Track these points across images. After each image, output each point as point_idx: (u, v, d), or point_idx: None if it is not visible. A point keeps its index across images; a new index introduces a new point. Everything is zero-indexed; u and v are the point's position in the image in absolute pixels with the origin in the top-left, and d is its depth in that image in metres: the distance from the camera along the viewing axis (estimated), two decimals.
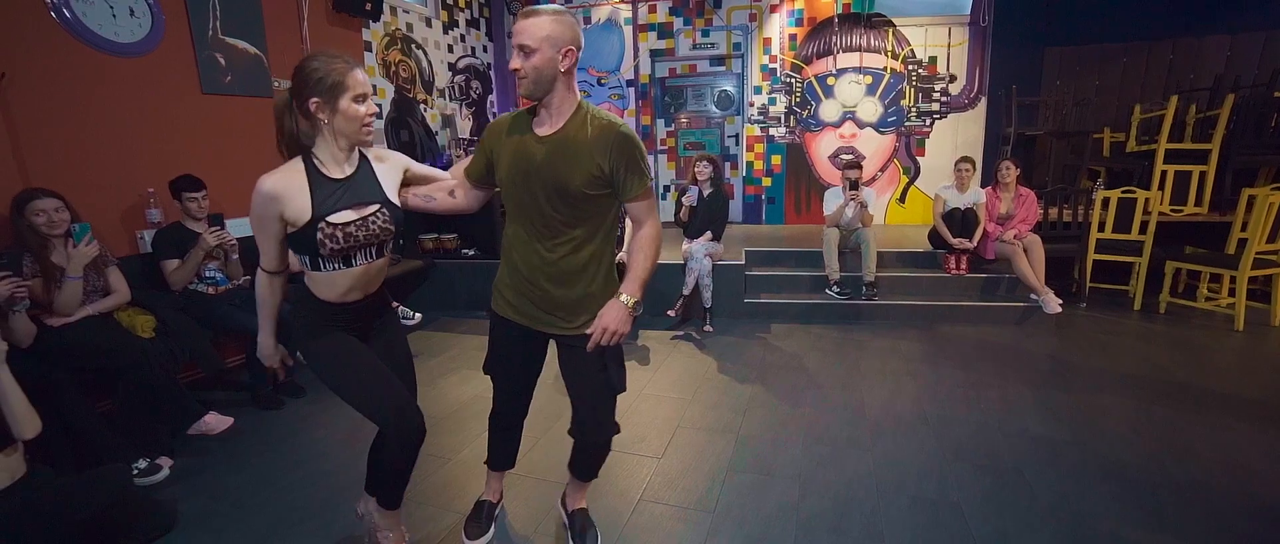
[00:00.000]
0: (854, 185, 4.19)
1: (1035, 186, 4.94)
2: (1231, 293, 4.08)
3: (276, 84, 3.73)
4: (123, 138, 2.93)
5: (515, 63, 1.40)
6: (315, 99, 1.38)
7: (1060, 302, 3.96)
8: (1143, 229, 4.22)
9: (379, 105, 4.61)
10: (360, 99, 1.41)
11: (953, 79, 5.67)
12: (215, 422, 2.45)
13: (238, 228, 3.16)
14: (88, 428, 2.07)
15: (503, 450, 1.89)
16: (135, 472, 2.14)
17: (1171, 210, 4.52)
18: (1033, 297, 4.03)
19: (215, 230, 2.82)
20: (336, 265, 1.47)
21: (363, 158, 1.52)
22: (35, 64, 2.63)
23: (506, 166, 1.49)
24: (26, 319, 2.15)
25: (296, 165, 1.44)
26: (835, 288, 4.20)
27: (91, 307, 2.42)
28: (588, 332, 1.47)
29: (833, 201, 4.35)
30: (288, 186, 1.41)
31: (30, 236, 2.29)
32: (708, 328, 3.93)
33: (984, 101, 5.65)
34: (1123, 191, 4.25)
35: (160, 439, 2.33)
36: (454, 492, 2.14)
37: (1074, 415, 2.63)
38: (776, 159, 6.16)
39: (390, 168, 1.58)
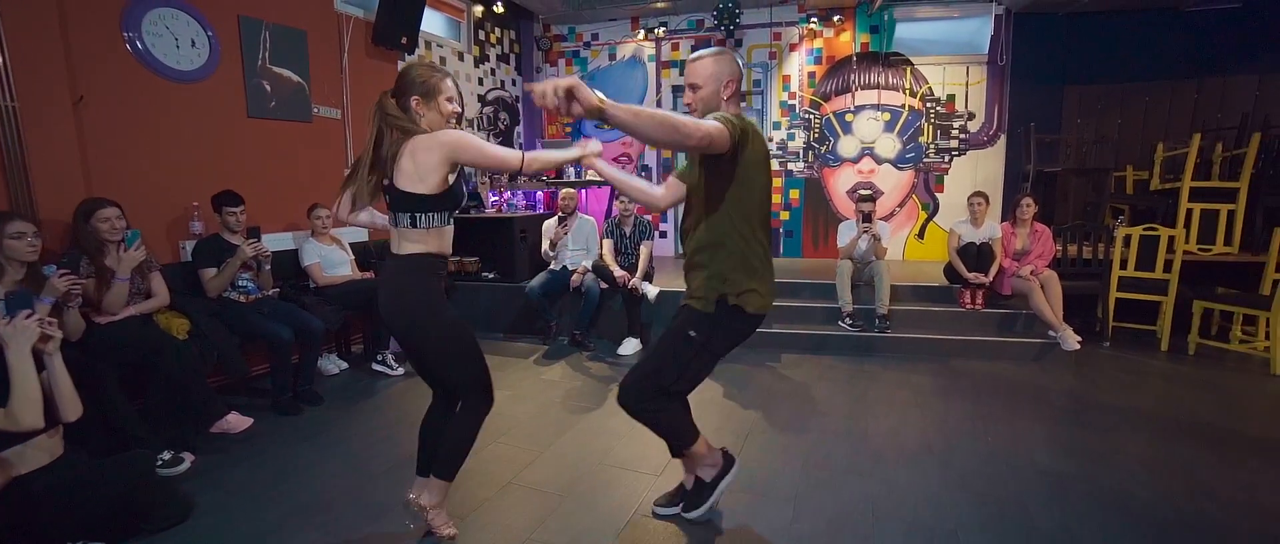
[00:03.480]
0: (867, 218, 4.23)
1: (1055, 223, 4.91)
2: (1268, 335, 3.94)
3: (316, 110, 3.99)
4: (174, 155, 3.19)
5: (687, 98, 1.74)
6: (416, 97, 1.68)
7: (1079, 339, 3.89)
8: (1167, 267, 4.13)
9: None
10: (449, 100, 1.73)
11: (971, 116, 5.71)
12: (237, 421, 2.58)
13: (272, 241, 3.37)
14: (122, 417, 2.22)
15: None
16: (159, 462, 2.26)
17: (1199, 250, 4.42)
18: (1051, 333, 3.96)
19: (252, 242, 3.01)
20: (451, 219, 1.75)
21: None
22: (109, 88, 2.91)
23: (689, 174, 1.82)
24: (78, 315, 2.35)
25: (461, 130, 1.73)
26: (848, 320, 4.20)
27: (134, 307, 2.60)
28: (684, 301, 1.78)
29: (847, 234, 4.39)
30: None
31: (89, 241, 2.50)
32: None
33: (1003, 139, 5.67)
34: (1145, 229, 4.19)
35: (185, 434, 2.47)
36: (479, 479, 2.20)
37: (1085, 451, 2.57)
38: (795, 193, 6.23)
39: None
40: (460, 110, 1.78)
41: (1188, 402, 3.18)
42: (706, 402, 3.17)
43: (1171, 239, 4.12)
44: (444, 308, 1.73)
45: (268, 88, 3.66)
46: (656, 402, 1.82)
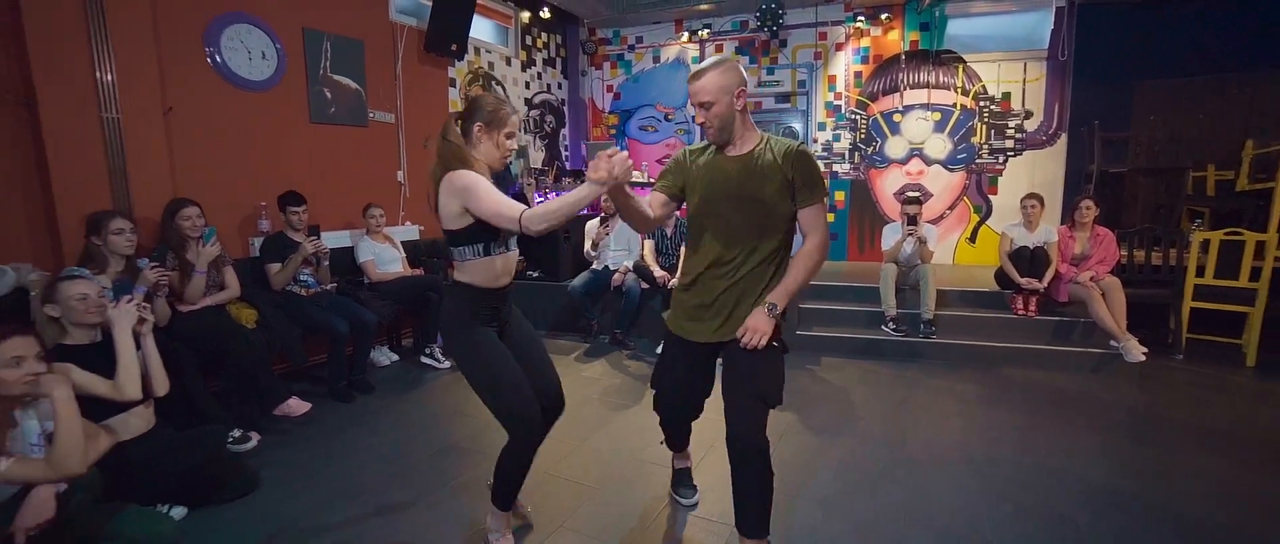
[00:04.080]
0: (913, 220, 4.13)
1: (1122, 227, 4.63)
2: None
3: (372, 115, 4.23)
4: (245, 158, 3.46)
5: (699, 117, 1.67)
6: (481, 124, 1.73)
7: (1145, 350, 3.65)
8: (1255, 276, 3.82)
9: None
10: (510, 136, 1.77)
11: (1028, 115, 5.46)
12: (297, 405, 2.77)
13: (330, 239, 3.60)
14: (199, 397, 2.45)
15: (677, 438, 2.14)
16: (230, 439, 2.48)
17: None
18: (1113, 343, 3.75)
19: (312, 239, 3.22)
20: (501, 249, 1.73)
21: (496, 175, 1.84)
22: (193, 99, 3.20)
23: (701, 184, 1.72)
24: (165, 303, 2.61)
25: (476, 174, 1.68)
26: (892, 324, 4.11)
27: (210, 298, 2.84)
28: (737, 335, 1.63)
29: (891, 236, 4.29)
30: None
31: (174, 237, 2.76)
32: None
33: (1064, 138, 5.39)
34: (1227, 233, 3.90)
35: (252, 415, 2.68)
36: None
37: (1147, 470, 2.42)
38: (840, 195, 6.12)
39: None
40: (514, 149, 1.81)
41: (1276, 423, 2.94)
42: None
43: (1261, 244, 3.81)
44: (472, 341, 1.71)
45: (328, 94, 3.91)
46: (766, 422, 1.67)
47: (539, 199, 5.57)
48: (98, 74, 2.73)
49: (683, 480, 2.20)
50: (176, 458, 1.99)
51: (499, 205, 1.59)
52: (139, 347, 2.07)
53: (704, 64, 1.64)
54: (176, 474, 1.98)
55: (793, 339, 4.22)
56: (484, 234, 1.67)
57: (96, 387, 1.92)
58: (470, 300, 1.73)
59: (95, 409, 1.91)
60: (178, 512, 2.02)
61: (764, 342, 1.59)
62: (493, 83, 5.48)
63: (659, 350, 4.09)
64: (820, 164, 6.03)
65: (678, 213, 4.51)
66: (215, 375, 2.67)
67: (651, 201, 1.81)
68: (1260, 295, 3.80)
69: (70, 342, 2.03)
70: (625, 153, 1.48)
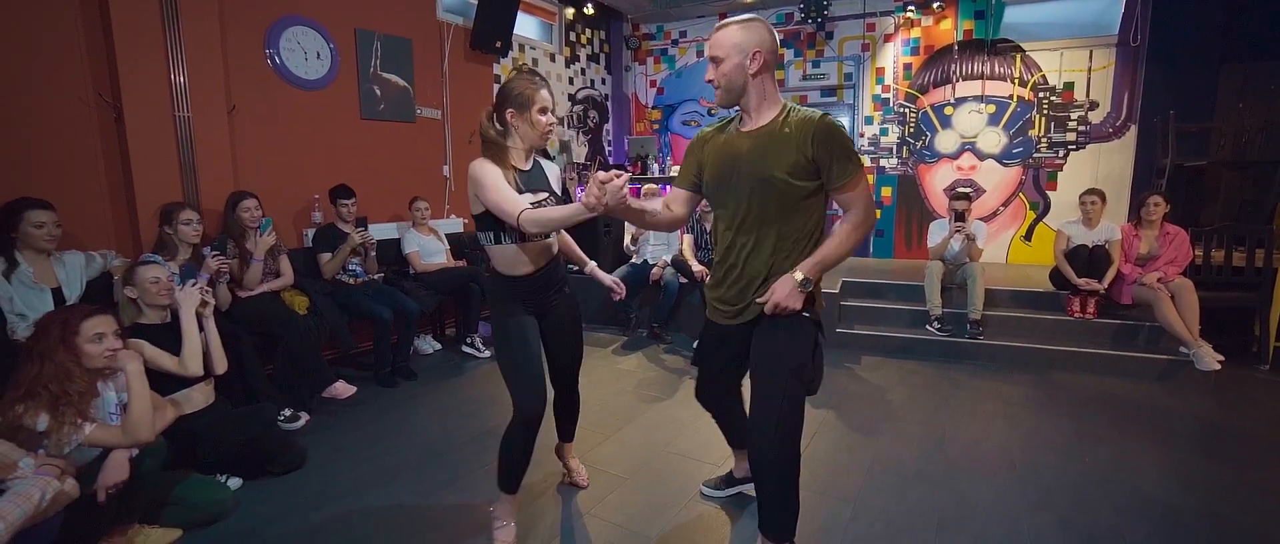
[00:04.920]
0: (960, 217, 3.97)
1: (1202, 225, 4.29)
2: None
3: (419, 111, 4.38)
4: (300, 153, 3.65)
5: (709, 74, 1.52)
6: (511, 109, 1.73)
7: (1221, 358, 3.38)
8: None
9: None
10: (543, 111, 1.74)
11: (1094, 106, 5.13)
12: (343, 389, 2.92)
13: (377, 231, 3.76)
14: (254, 376, 2.61)
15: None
16: (282, 418, 2.64)
17: None
18: (1182, 350, 3.49)
19: (360, 231, 3.38)
20: (509, 238, 1.73)
21: (537, 159, 1.87)
22: (254, 98, 3.41)
23: (713, 163, 1.60)
24: (226, 289, 2.81)
25: (488, 163, 1.72)
26: (936, 324, 3.96)
27: (267, 285, 3.03)
28: (761, 300, 1.52)
29: (938, 233, 4.14)
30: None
31: (235, 228, 2.96)
32: None
33: (1133, 130, 5.04)
34: None
35: (302, 396, 2.84)
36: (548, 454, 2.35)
37: (1214, 486, 2.24)
38: (887, 191, 5.93)
39: (555, 168, 1.94)
40: (555, 121, 1.77)
41: None
42: None
43: None
44: (500, 323, 1.80)
45: (378, 92, 4.07)
46: (800, 423, 1.55)
47: (580, 193, 5.63)
48: (172, 76, 2.95)
49: (728, 481, 2.14)
50: (233, 431, 2.15)
51: (502, 200, 1.62)
52: (202, 328, 2.24)
53: (732, 18, 1.50)
54: (233, 446, 2.14)
55: (833, 337, 4.13)
56: (493, 222, 1.73)
57: (164, 362, 2.10)
58: (497, 285, 1.82)
59: (163, 383, 2.08)
60: (234, 482, 2.17)
61: (788, 309, 1.47)
62: (536, 78, 5.57)
63: (696, 345, 4.10)
64: (865, 159, 5.89)
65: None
66: (269, 357, 2.84)
67: (670, 200, 1.71)
68: None
69: (144, 321, 2.22)
70: (624, 178, 1.37)
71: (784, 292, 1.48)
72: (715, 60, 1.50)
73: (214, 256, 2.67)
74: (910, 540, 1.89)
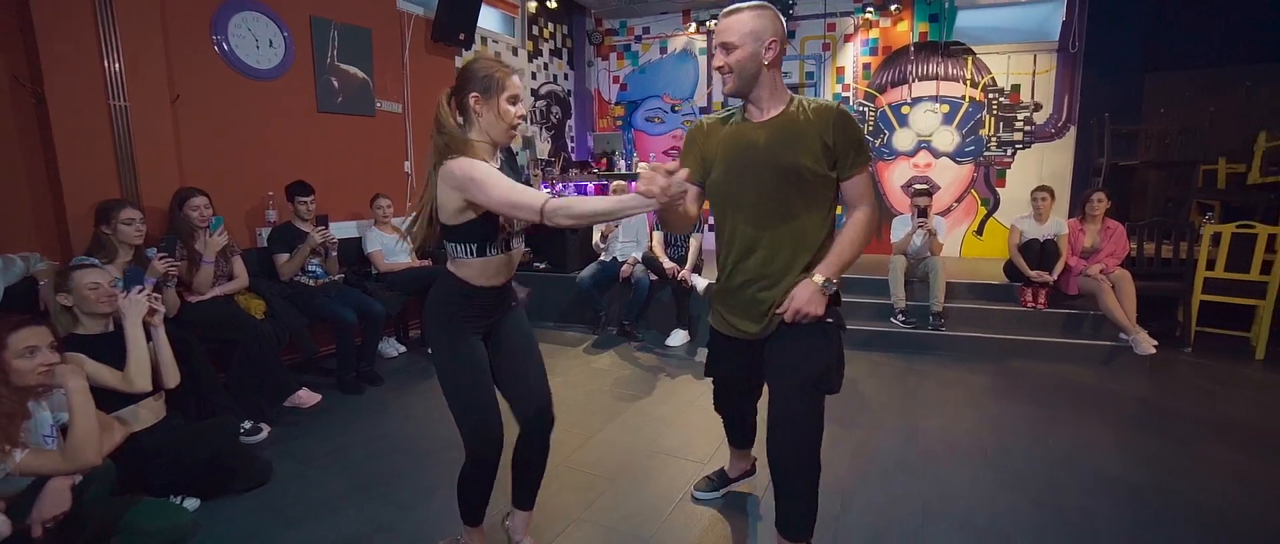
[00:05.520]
0: (922, 213, 4.11)
1: (1132, 220, 4.61)
2: None
3: (379, 105, 4.19)
4: (253, 147, 3.43)
5: (719, 60, 1.44)
6: (475, 94, 1.45)
7: (1155, 343, 3.64)
8: (1267, 269, 3.81)
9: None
10: (513, 100, 1.47)
11: (1038, 107, 5.42)
12: (307, 397, 2.76)
13: (338, 230, 3.58)
14: (210, 387, 2.43)
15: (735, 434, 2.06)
16: (242, 431, 2.46)
17: None
18: (1122, 336, 3.74)
19: (320, 230, 3.20)
20: (499, 250, 1.51)
21: (504, 154, 1.61)
22: (199, 87, 3.17)
23: (725, 156, 1.50)
24: (174, 293, 2.59)
25: (478, 161, 1.43)
26: (900, 317, 4.09)
27: (219, 288, 2.82)
28: (779, 311, 1.45)
29: (900, 229, 4.28)
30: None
31: (183, 227, 2.74)
32: None
33: (1073, 131, 5.36)
34: (1239, 226, 3.89)
35: (262, 407, 2.66)
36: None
37: (1162, 461, 2.42)
38: None
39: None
40: (525, 114, 1.52)
41: None
42: None
43: (1273, 237, 3.80)
44: (449, 344, 1.53)
45: (335, 84, 3.87)
46: (821, 424, 1.52)
47: (546, 190, 5.53)
48: (106, 62, 2.70)
49: (722, 480, 2.12)
50: (189, 449, 1.98)
51: (514, 194, 1.35)
52: (150, 338, 2.06)
53: (742, 3, 1.43)
54: (190, 465, 1.97)
55: None
56: (483, 232, 1.46)
57: (105, 377, 1.90)
58: (457, 295, 1.52)
59: (106, 399, 1.89)
60: (191, 503, 2.01)
61: (810, 316, 1.41)
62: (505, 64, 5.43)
63: (668, 342, 4.09)
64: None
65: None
66: (224, 366, 2.65)
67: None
68: (1271, 288, 3.79)
69: (82, 331, 2.02)
70: (685, 172, 1.25)
71: (805, 296, 1.41)
72: (727, 46, 1.43)
73: (161, 259, 2.45)
74: (900, 530, 1.94)
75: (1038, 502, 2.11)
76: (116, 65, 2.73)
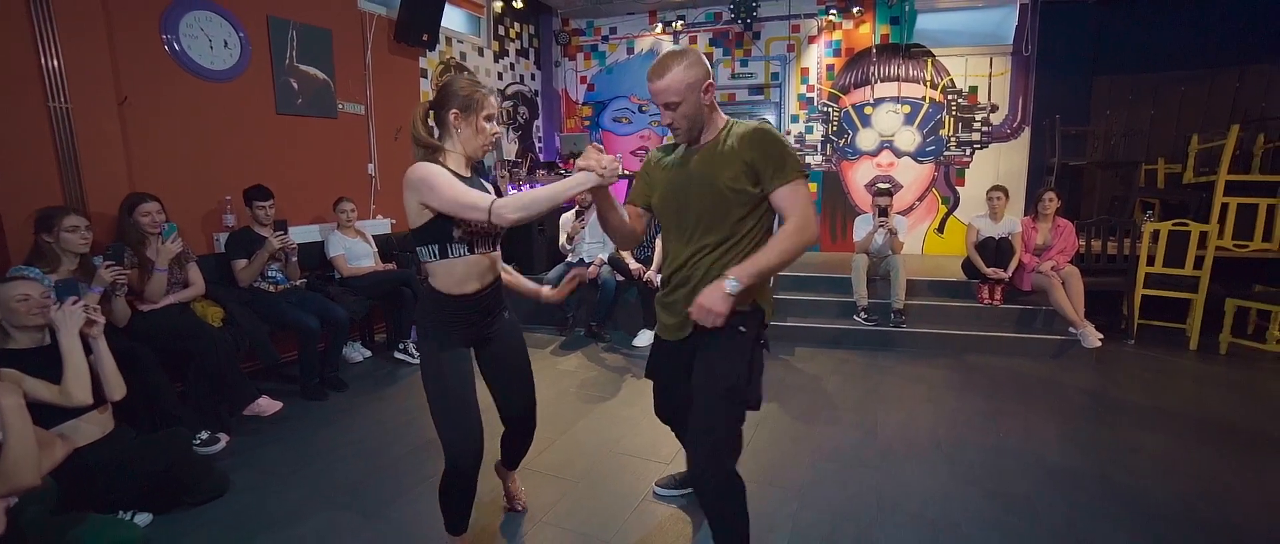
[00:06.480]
0: (883, 212, 4.22)
1: (1081, 218, 4.81)
2: None
3: (341, 106, 4.12)
4: (208, 151, 3.34)
5: (666, 118, 1.52)
6: (455, 110, 1.57)
7: (1101, 336, 3.82)
8: (1199, 264, 4.03)
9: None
10: (490, 119, 1.61)
11: (994, 109, 5.61)
12: (267, 405, 2.71)
13: (299, 234, 3.51)
14: (163, 398, 2.37)
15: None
16: (198, 441, 2.41)
17: (1235, 246, 4.28)
18: (1071, 330, 3.91)
19: (279, 235, 3.14)
20: (462, 251, 1.56)
21: (475, 166, 1.71)
22: (149, 89, 3.07)
23: (662, 184, 1.63)
24: (125, 303, 2.51)
25: (433, 164, 1.53)
26: (863, 314, 4.20)
27: (173, 296, 2.75)
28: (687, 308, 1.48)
29: (862, 228, 4.38)
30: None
31: (133, 233, 2.66)
32: None
33: (1027, 131, 5.56)
34: (1174, 224, 4.09)
35: (220, 416, 2.61)
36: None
37: (1100, 449, 2.56)
38: (812, 187, 6.20)
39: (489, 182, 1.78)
40: (500, 132, 1.63)
41: (1214, 402, 3.12)
42: None
43: (1204, 234, 4.02)
44: (434, 355, 1.59)
45: (295, 85, 3.79)
46: (735, 437, 1.59)
47: (512, 191, 5.50)
48: (42, 60, 2.59)
49: (683, 481, 2.16)
50: (140, 463, 1.92)
51: (462, 195, 1.44)
52: (90, 350, 1.99)
53: (664, 59, 1.49)
54: (141, 479, 1.92)
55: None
56: (440, 232, 1.53)
57: (41, 393, 1.83)
58: (433, 305, 1.60)
59: (46, 415, 1.83)
60: (142, 518, 1.96)
61: (717, 321, 1.40)
62: (465, 73, 5.38)
63: (635, 343, 4.11)
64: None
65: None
66: (180, 376, 2.59)
67: (629, 213, 1.73)
68: (1202, 282, 4.01)
69: (14, 346, 1.93)
70: (617, 159, 1.46)
71: (708, 297, 1.42)
72: (670, 106, 1.50)
73: (108, 267, 2.38)
74: (854, 525, 2.00)
75: (987, 492, 2.20)
76: (55, 63, 2.63)
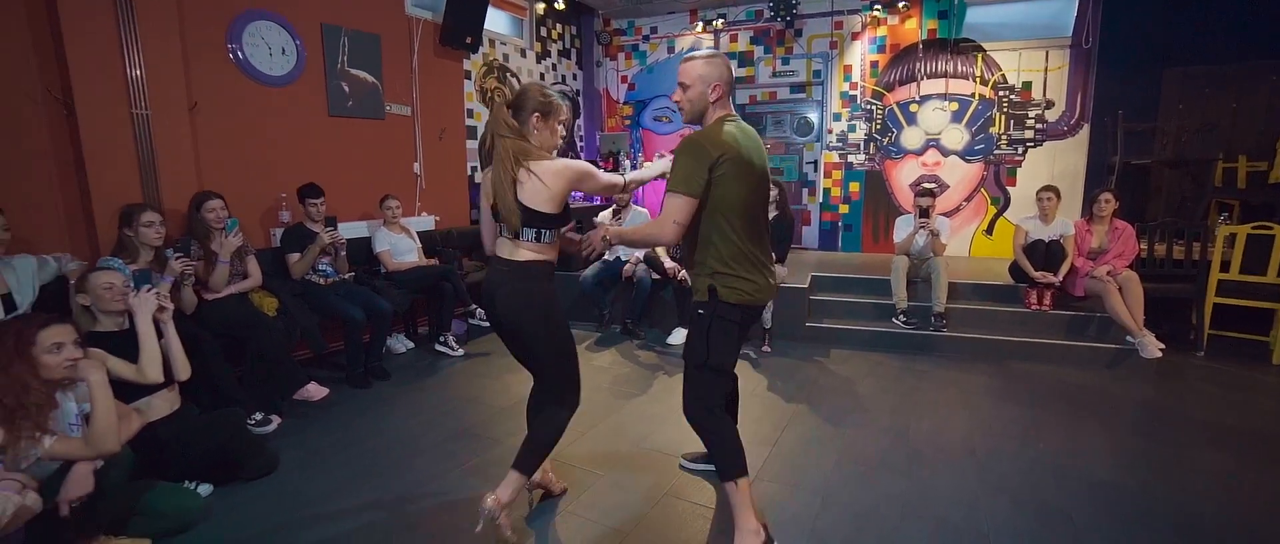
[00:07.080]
0: (924, 213, 4.10)
1: (1146, 220, 4.53)
2: None
3: (388, 108, 4.31)
4: (266, 151, 3.57)
5: (676, 96, 1.82)
6: (537, 114, 1.81)
7: (1162, 346, 3.60)
8: None
9: (473, 127, 5.15)
10: (563, 123, 1.89)
11: (1050, 105, 5.34)
12: (315, 391, 2.88)
13: (347, 230, 3.70)
14: (223, 380, 2.57)
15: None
16: (252, 422, 2.60)
17: None
18: (1129, 339, 3.70)
19: (328, 230, 3.33)
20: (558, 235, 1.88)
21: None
22: (215, 95, 3.31)
23: None
24: (191, 292, 2.74)
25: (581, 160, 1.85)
26: (902, 317, 4.10)
27: (234, 287, 2.96)
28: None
29: (903, 229, 4.27)
30: None
31: (199, 228, 2.89)
32: (766, 348, 3.97)
33: (1086, 128, 5.27)
34: (1254, 226, 3.80)
35: (273, 399, 2.79)
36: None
37: (1152, 465, 2.41)
38: (855, 186, 6.07)
39: None
40: (565, 136, 1.92)
41: None
42: (750, 393, 3.20)
43: None
44: (560, 311, 1.87)
45: (346, 88, 4.00)
46: (707, 389, 1.84)
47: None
48: (128, 71, 2.85)
49: (704, 456, 2.30)
50: (201, 437, 2.11)
51: (609, 178, 1.88)
52: (161, 334, 2.19)
53: (698, 52, 1.81)
54: (202, 453, 2.10)
55: (801, 332, 4.20)
56: (561, 219, 1.81)
57: (122, 370, 2.04)
58: (550, 275, 1.87)
59: (125, 391, 2.03)
60: (204, 489, 2.14)
61: (589, 251, 1.87)
62: (507, 74, 5.54)
63: (669, 340, 4.16)
64: (834, 155, 6.03)
65: None
66: (238, 360, 2.78)
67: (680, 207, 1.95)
68: None
69: (100, 329, 2.15)
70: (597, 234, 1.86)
71: (595, 231, 1.90)
72: (683, 86, 1.79)
73: (177, 259, 2.59)
74: (876, 529, 1.98)
75: (1019, 503, 2.13)
76: (138, 73, 2.87)
